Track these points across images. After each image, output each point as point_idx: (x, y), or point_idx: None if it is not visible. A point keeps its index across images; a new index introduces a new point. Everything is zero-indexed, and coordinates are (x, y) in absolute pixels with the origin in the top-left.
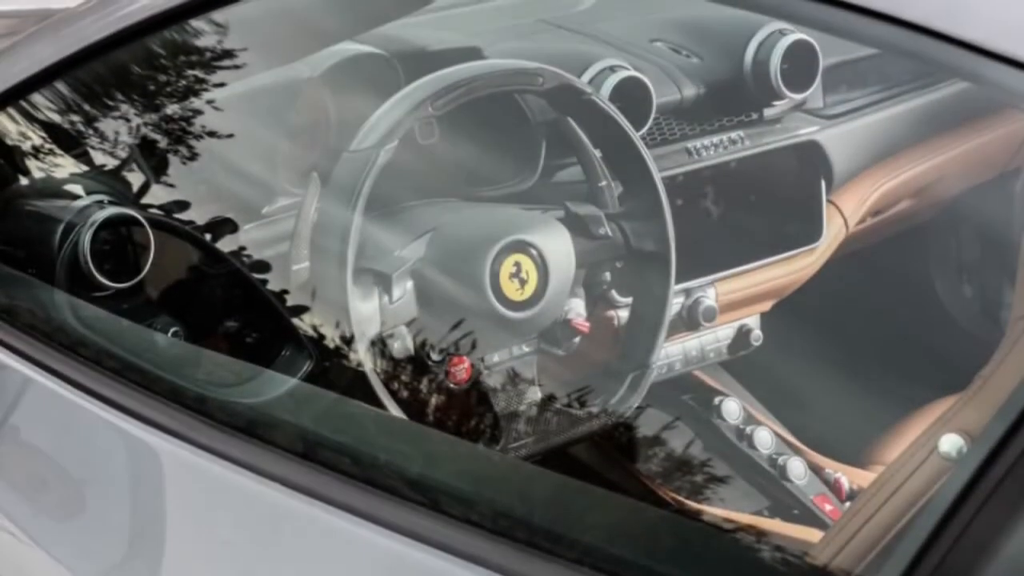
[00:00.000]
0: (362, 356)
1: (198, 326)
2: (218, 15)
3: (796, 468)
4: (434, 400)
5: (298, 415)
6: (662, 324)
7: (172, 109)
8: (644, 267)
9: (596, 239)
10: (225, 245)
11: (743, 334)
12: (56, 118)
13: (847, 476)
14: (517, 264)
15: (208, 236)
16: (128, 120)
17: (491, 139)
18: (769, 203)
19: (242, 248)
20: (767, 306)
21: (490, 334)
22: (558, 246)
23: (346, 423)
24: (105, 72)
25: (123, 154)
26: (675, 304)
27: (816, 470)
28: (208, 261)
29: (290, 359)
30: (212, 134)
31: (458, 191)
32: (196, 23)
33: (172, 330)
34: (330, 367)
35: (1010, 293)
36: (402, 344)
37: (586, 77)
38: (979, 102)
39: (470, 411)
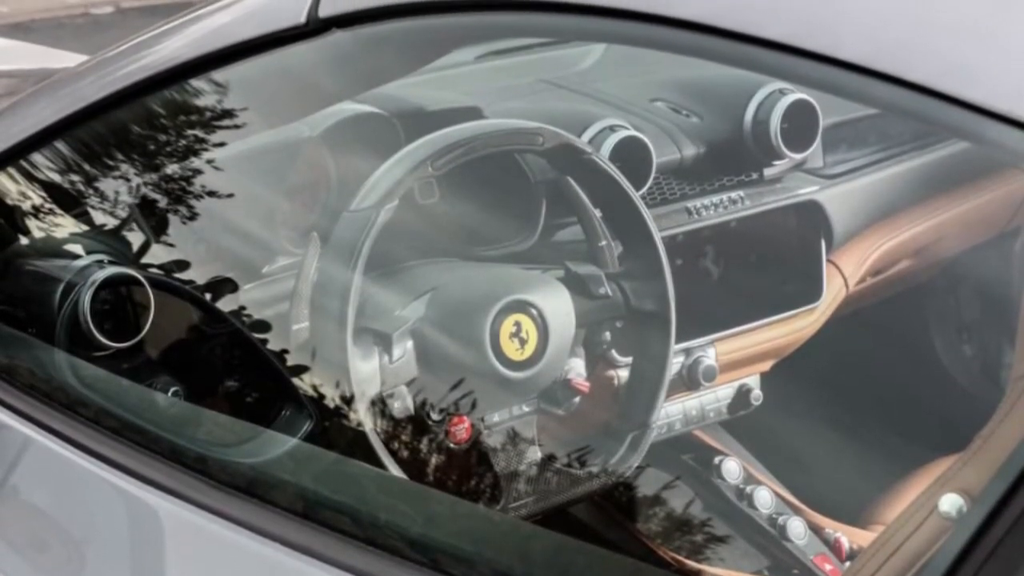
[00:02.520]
0: (362, 416)
1: (198, 386)
2: (217, 75)
3: (796, 528)
4: (434, 460)
5: (298, 475)
6: (662, 384)
7: (172, 168)
8: (644, 327)
9: (596, 299)
10: (225, 305)
11: (743, 394)
12: (56, 178)
13: (847, 536)
14: (517, 324)
15: (208, 296)
16: (128, 179)
17: (491, 199)
18: (769, 263)
19: (242, 308)
20: (767, 366)
21: (490, 394)
22: (558, 306)
23: (346, 483)
24: (105, 132)
25: (123, 214)
26: (675, 364)
27: (816, 530)
28: (208, 321)
29: (290, 419)
30: (212, 194)
31: (458, 251)
32: (196, 83)
33: (172, 390)
34: (330, 427)
35: (1010, 353)
36: (402, 404)
37: (586, 137)
38: (979, 162)
39: (470, 471)
